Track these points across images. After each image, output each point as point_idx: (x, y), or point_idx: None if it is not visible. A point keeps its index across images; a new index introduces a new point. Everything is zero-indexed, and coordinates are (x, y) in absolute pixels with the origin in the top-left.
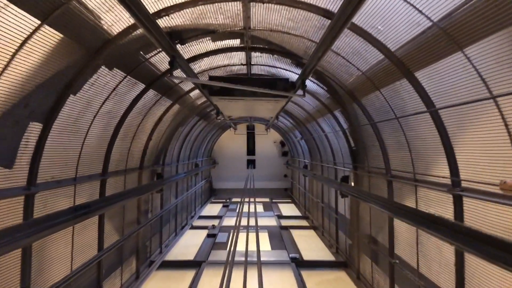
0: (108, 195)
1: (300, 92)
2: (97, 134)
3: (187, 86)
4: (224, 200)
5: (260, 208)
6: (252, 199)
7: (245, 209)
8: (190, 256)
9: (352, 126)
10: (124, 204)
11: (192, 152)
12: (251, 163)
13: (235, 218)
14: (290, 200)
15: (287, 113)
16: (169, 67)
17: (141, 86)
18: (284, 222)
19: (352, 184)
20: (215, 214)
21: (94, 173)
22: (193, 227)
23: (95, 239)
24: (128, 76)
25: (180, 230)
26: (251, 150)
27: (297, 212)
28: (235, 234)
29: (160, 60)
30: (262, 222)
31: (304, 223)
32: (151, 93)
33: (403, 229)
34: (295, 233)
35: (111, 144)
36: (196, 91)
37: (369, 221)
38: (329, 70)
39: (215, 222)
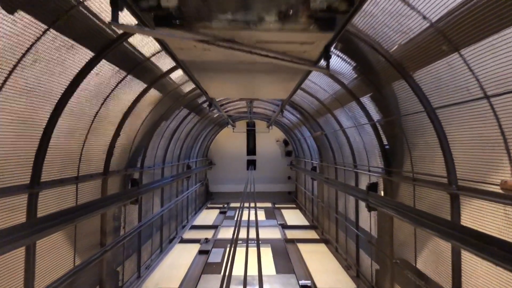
0: (42, 216)
1: (323, 63)
2: (16, 127)
3: (165, 62)
4: (221, 206)
5: (261, 215)
6: (252, 204)
7: (245, 216)
8: (174, 284)
9: (389, 116)
10: (74, 225)
11: (183, 151)
12: (251, 164)
13: (232, 229)
14: (294, 205)
15: (293, 106)
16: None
17: (86, 52)
18: (290, 234)
19: (382, 193)
20: (210, 223)
21: (16, 184)
22: (183, 241)
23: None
24: (52, 30)
25: (167, 244)
26: (251, 149)
27: (303, 220)
28: (231, 251)
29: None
30: (264, 233)
31: (312, 234)
32: (107, 67)
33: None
34: (303, 248)
35: (44, 140)
36: (179, 73)
37: (412, 244)
38: (366, 31)
39: (209, 233)
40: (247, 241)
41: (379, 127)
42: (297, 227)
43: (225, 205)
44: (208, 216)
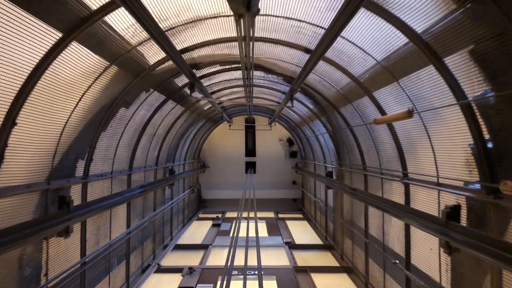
0: None
1: None
2: None
3: None
4: (214, 216)
5: (262, 229)
6: (251, 214)
7: (243, 230)
8: None
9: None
10: None
11: (163, 152)
12: (250, 167)
13: (227, 250)
14: (301, 215)
15: (305, 92)
16: None
17: None
18: (300, 258)
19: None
20: (199, 241)
21: None
22: (160, 270)
23: None
24: None
25: (137, 276)
26: (250, 150)
27: (314, 237)
28: None
29: None
30: (267, 257)
31: (328, 258)
32: None
33: None
34: (320, 281)
35: None
36: (128, 20)
37: None
38: None
39: (197, 257)
40: (245, 272)
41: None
42: (308, 247)
43: (219, 217)
44: (198, 230)
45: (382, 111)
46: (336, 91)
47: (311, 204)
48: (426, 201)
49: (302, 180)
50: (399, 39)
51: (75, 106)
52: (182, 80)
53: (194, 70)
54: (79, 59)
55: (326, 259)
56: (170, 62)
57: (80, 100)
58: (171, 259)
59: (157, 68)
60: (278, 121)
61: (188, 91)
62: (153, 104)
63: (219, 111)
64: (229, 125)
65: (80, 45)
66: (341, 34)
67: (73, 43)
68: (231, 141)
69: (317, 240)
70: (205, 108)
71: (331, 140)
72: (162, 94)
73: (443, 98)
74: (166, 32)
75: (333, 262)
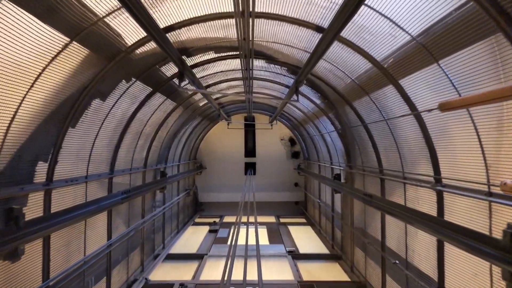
0: None
1: None
2: None
3: None
4: (212, 221)
5: (263, 236)
6: (251, 219)
7: (242, 237)
8: None
9: None
10: None
11: (152, 153)
12: (250, 168)
13: (224, 262)
14: (304, 220)
15: (312, 85)
16: None
17: None
18: (305, 270)
19: None
20: (194, 250)
21: None
22: (147, 286)
23: None
24: None
25: None
26: (250, 150)
27: (319, 244)
28: None
29: None
30: (269, 270)
31: (337, 272)
32: None
33: None
34: None
35: None
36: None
37: None
38: None
39: (190, 270)
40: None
41: None
42: (313, 257)
43: (216, 222)
44: (193, 237)
45: (410, 103)
46: (350, 81)
47: (315, 208)
48: (470, 215)
49: (305, 182)
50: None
51: (25, 95)
52: (170, 69)
53: (184, 57)
54: (25, 31)
55: (334, 271)
56: (154, 45)
57: (31, 86)
58: (162, 271)
59: (137, 51)
60: (279, 119)
61: (177, 82)
62: (138, 96)
63: (215, 108)
64: (228, 124)
65: (24, 11)
66: (366, 2)
67: (10, 5)
68: (230, 141)
69: (323, 249)
70: (201, 105)
71: (339, 139)
72: (147, 85)
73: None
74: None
75: (342, 276)
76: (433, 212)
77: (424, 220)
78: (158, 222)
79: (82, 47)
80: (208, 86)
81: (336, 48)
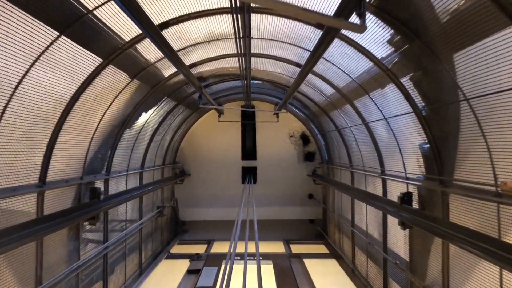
0: None
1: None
2: None
3: None
4: (194, 254)
5: (268, 280)
6: (250, 246)
7: (236, 280)
8: None
9: None
10: None
11: (70, 154)
12: (249, 174)
13: None
14: (324, 247)
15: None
16: None
17: None
18: None
19: None
20: None
21: None
22: None
23: None
24: None
25: None
26: (249, 150)
27: None
28: None
29: None
30: None
31: None
32: None
33: None
34: None
35: None
36: None
37: None
38: None
39: None
40: None
41: None
42: None
43: (201, 253)
44: (162, 283)
45: None
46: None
47: (340, 231)
48: None
49: (323, 193)
50: None
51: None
52: None
53: None
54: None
55: None
56: None
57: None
58: None
59: None
60: (289, 108)
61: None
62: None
63: (196, 86)
64: (219, 115)
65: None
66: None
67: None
68: (222, 139)
69: None
70: (176, 80)
71: (422, 129)
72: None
73: None
74: None
75: None
76: None
77: None
78: (96, 269)
79: None
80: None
81: None
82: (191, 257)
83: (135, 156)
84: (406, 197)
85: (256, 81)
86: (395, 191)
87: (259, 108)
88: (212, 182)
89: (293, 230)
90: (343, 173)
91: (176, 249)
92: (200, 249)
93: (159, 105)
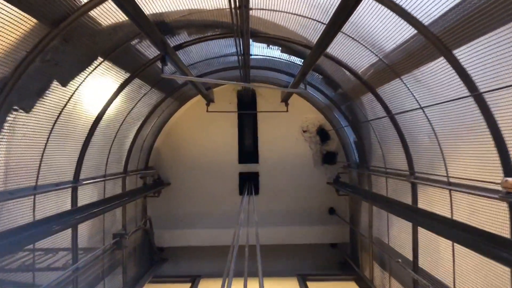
0: None
1: None
2: None
3: None
4: None
5: None
6: (252, 285)
7: None
8: None
9: None
10: None
11: None
12: (249, 182)
13: None
14: (354, 285)
15: None
16: None
17: None
18: None
19: None
20: None
21: None
22: None
23: None
24: None
25: None
26: (249, 151)
27: None
28: None
29: None
30: None
31: None
32: None
33: None
34: None
35: None
36: None
37: None
38: None
39: None
40: None
41: None
42: None
43: None
44: None
45: None
46: None
47: (385, 267)
48: None
49: (351, 208)
50: None
51: None
52: None
53: None
54: None
55: None
56: None
57: None
58: None
59: None
60: (304, 92)
61: None
62: None
63: (152, 36)
64: (207, 104)
65: None
66: None
67: None
68: (213, 135)
69: None
70: (113, 23)
71: None
72: None
73: None
74: None
75: None
76: None
77: None
78: None
79: None
80: None
81: None
82: None
83: (56, 161)
84: None
85: (259, 44)
86: None
87: (261, 94)
88: (200, 194)
89: (308, 258)
90: (393, 182)
91: None
92: None
93: (93, 72)
